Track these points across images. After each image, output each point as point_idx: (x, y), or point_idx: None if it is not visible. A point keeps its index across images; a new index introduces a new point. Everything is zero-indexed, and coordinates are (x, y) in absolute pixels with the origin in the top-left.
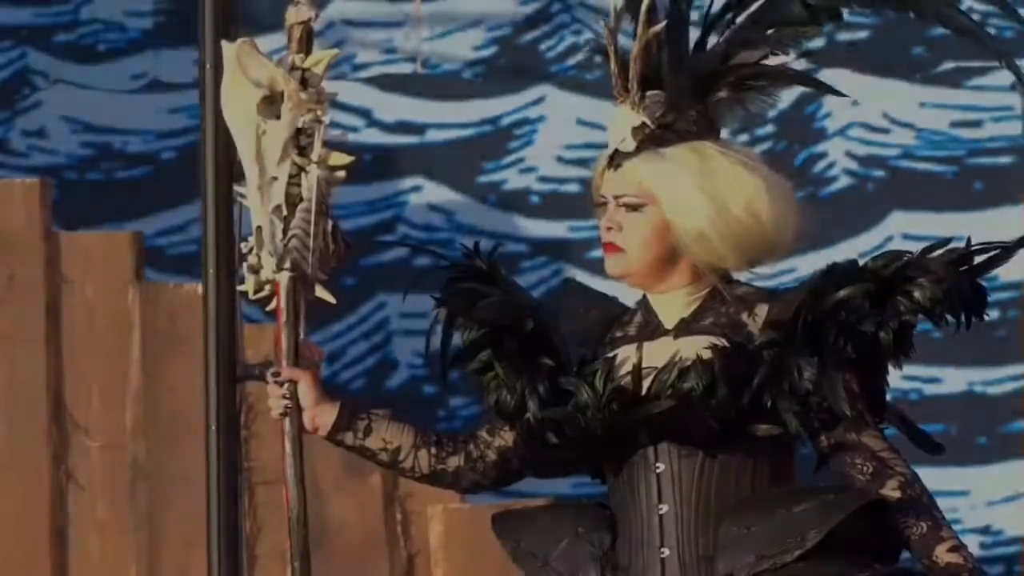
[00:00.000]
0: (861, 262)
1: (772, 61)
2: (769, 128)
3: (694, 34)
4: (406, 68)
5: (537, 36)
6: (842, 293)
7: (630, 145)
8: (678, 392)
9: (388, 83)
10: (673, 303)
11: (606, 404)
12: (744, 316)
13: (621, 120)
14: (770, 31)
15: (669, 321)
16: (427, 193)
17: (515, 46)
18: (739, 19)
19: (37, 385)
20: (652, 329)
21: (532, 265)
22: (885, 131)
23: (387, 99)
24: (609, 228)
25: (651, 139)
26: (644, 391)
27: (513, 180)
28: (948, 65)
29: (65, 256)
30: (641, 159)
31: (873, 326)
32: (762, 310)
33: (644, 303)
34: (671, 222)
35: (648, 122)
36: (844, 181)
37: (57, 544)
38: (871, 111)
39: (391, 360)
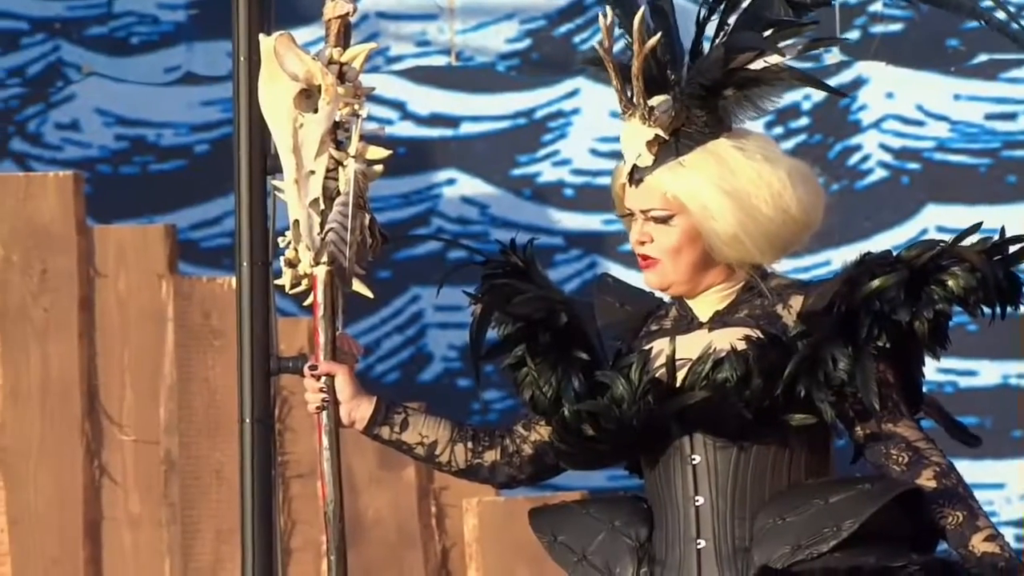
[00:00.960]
0: (895, 252)
1: (771, 60)
2: (804, 121)
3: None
4: (440, 61)
5: (571, 29)
6: (876, 283)
7: (647, 159)
8: (713, 383)
9: (422, 76)
10: (707, 298)
11: (641, 396)
12: (779, 308)
13: (634, 135)
14: (767, 32)
15: (704, 315)
16: (461, 186)
17: (549, 39)
18: (731, 20)
19: (71, 379)
20: (687, 323)
21: (566, 258)
22: (919, 124)
23: (421, 92)
24: (642, 242)
25: (667, 148)
26: (679, 383)
27: (547, 173)
28: (982, 58)
29: (98, 250)
30: (661, 171)
31: (908, 316)
32: (797, 301)
33: (679, 300)
34: (702, 229)
35: (661, 133)
36: (878, 174)
37: (90, 538)
38: (905, 104)
39: (425, 353)
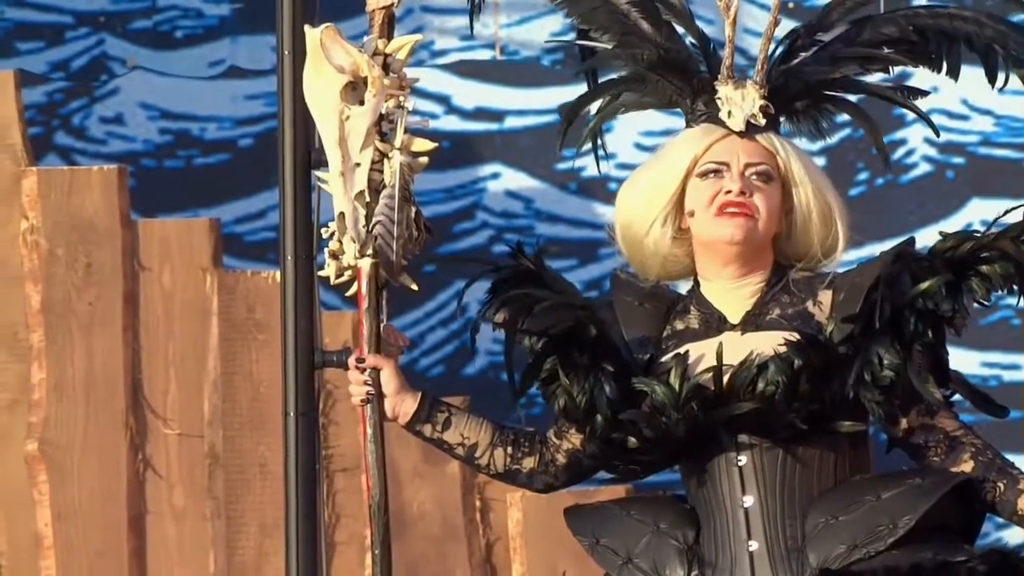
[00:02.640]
0: (931, 246)
1: (873, 78)
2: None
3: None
4: (485, 55)
5: None
6: (923, 287)
7: (761, 120)
8: (761, 393)
9: (467, 70)
10: (734, 295)
11: (685, 403)
12: (809, 305)
13: (746, 97)
14: (884, 49)
15: (733, 315)
16: (506, 180)
17: None
18: (846, 33)
19: (115, 373)
20: (716, 324)
21: (610, 252)
22: (964, 118)
23: (466, 86)
24: (743, 192)
25: (772, 123)
26: (724, 390)
27: (591, 167)
28: None
29: (143, 243)
30: (773, 135)
31: (951, 311)
32: (825, 296)
33: (697, 296)
34: (799, 201)
35: (770, 107)
36: (923, 168)
37: (135, 532)
38: (950, 98)
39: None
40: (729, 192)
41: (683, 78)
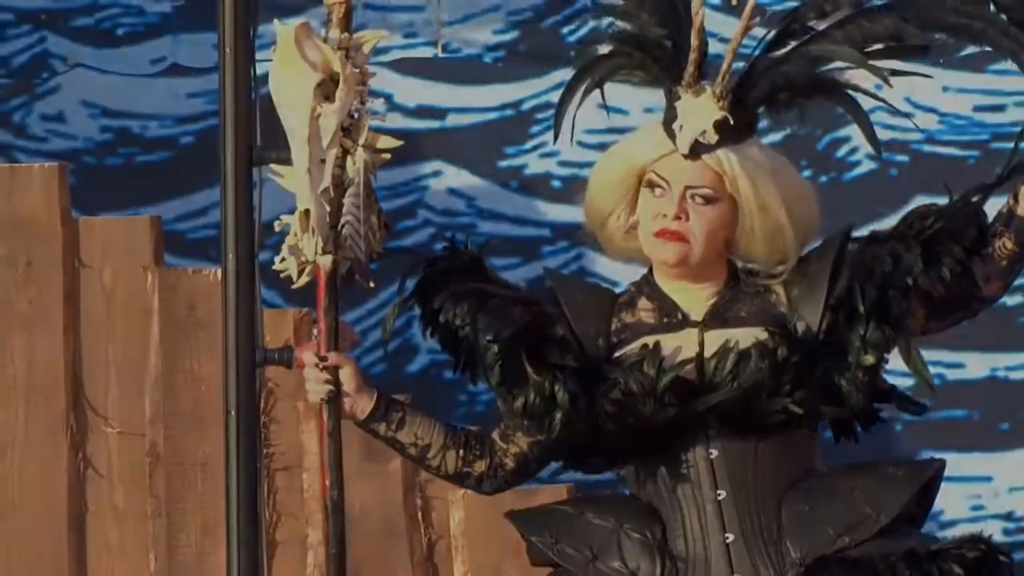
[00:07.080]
0: (896, 225)
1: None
2: (791, 112)
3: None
4: (427, 52)
5: (558, 20)
6: (912, 265)
7: (712, 138)
8: (747, 382)
9: (408, 68)
10: (693, 294)
11: (663, 392)
12: (771, 298)
13: (702, 110)
14: (863, 48)
15: (695, 313)
16: (448, 178)
17: (536, 31)
18: (825, 29)
19: (56, 372)
20: (677, 321)
21: (553, 250)
22: (908, 116)
23: (408, 83)
24: (678, 217)
25: (726, 135)
26: (704, 380)
27: (534, 165)
28: (971, 49)
29: (83, 241)
30: (723, 153)
31: (928, 283)
32: (780, 290)
33: (651, 285)
34: (744, 218)
35: (730, 118)
36: (867, 166)
37: (75, 531)
38: (894, 96)
39: (412, 344)
40: (665, 216)
41: (665, 65)
